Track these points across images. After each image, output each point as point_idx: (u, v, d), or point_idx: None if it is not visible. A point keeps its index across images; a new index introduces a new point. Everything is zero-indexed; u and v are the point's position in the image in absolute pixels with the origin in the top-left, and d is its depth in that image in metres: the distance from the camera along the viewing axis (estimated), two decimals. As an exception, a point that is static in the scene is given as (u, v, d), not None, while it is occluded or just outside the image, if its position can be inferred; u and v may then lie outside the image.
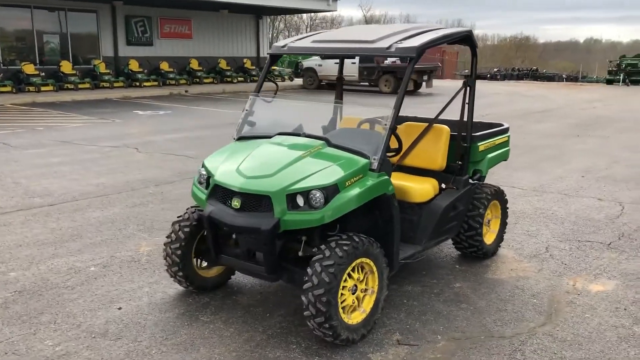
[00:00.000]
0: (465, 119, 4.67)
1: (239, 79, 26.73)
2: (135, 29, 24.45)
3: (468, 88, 4.65)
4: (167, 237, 4.14)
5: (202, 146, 10.48)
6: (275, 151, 3.93)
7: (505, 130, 5.27)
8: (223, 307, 4.08)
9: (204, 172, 3.98)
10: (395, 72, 23.29)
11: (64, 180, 7.74)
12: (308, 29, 71.38)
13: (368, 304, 3.66)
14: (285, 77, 28.75)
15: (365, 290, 3.66)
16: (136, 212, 6.34)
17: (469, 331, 3.78)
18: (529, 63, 58.40)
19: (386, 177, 3.72)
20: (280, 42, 4.59)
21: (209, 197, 3.82)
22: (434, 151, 4.59)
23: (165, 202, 6.76)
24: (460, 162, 4.69)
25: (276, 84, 4.84)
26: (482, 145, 4.82)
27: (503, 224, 5.20)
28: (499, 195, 5.09)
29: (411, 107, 18.14)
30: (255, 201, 3.58)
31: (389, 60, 24.04)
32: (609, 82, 33.42)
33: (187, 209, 4.23)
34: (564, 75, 40.54)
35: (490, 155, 4.94)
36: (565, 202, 6.97)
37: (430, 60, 27.28)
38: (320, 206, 3.46)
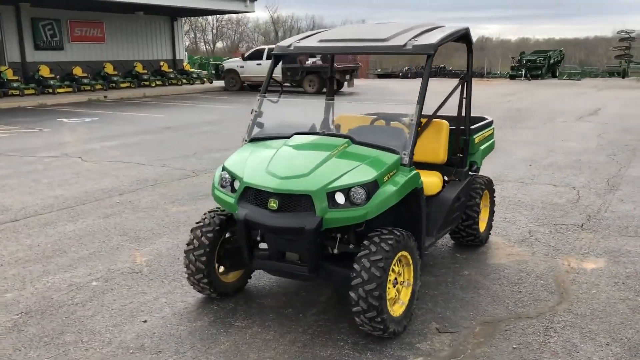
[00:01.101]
0: (463, 113, 4.87)
1: (157, 82, 25.94)
2: (43, 32, 23.09)
3: (465, 84, 4.84)
4: (187, 244, 4.01)
5: (149, 152, 10.12)
6: (302, 151, 3.92)
7: (491, 123, 5.54)
8: (252, 312, 4.01)
9: (227, 176, 3.91)
10: (319, 72, 23.50)
11: (17, 194, 7.23)
12: (214, 30, 70.37)
13: (406, 295, 3.75)
14: (205, 79, 28.24)
15: (403, 282, 3.74)
16: (113, 223, 6.05)
17: (497, 315, 3.96)
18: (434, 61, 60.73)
19: (416, 171, 3.82)
20: (285, 42, 4.57)
21: (239, 200, 3.75)
22: (436, 145, 4.74)
23: (138, 211, 6.49)
24: (460, 155, 4.88)
25: (281, 84, 4.81)
26: (477, 138, 5.04)
27: (491, 213, 5.47)
28: (489, 185, 5.34)
29: (341, 106, 18.42)
30: (294, 201, 3.56)
31: (310, 61, 24.25)
32: (512, 77, 35.54)
33: (204, 214, 4.12)
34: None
35: (482, 147, 5.18)
36: (526, 190, 7.41)
37: (344, 60, 27.46)
38: (362, 202, 3.49)
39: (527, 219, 6.14)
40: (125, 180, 7.98)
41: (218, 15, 59.44)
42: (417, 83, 33.22)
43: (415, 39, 4.09)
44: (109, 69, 24.53)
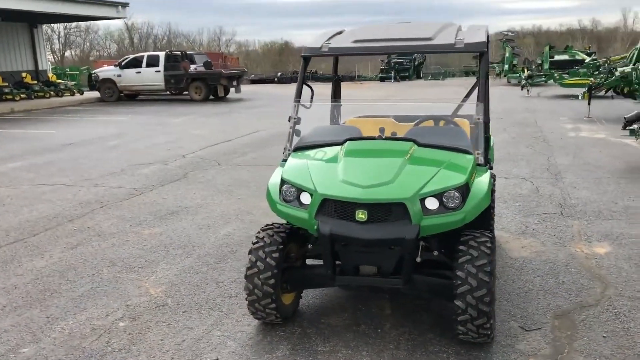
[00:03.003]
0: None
1: (22, 95, 23.52)
2: None
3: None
4: (248, 267, 3.61)
5: (68, 172, 9.09)
6: (370, 158, 3.72)
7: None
8: (325, 334, 3.71)
9: (293, 189, 3.57)
10: (205, 79, 22.77)
11: (-59, 230, 6.11)
12: (61, 39, 65.42)
13: (490, 298, 3.67)
14: (75, 90, 26.12)
15: (487, 284, 3.66)
16: (87, 253, 5.31)
17: (563, 306, 4.02)
18: (295, 67, 61.68)
19: (489, 170, 3.77)
20: (314, 43, 4.30)
21: (317, 214, 3.44)
22: None
23: (106, 238, 5.77)
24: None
25: (311, 88, 4.51)
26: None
27: (493, 208, 5.58)
28: (494, 181, 5.45)
29: (238, 111, 18.01)
30: (384, 211, 3.34)
31: (192, 68, 23.47)
32: (382, 79, 37.11)
33: (259, 233, 3.73)
34: (339, 76, 43.71)
35: (491, 145, 5.26)
36: (485, 184, 7.69)
37: (226, 66, 26.96)
38: (457, 206, 3.37)
39: (509, 211, 6.36)
40: (64, 205, 7.07)
41: (66, 23, 55.30)
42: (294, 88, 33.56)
43: (461, 38, 4.05)
44: (-37, 82, 21.86)
